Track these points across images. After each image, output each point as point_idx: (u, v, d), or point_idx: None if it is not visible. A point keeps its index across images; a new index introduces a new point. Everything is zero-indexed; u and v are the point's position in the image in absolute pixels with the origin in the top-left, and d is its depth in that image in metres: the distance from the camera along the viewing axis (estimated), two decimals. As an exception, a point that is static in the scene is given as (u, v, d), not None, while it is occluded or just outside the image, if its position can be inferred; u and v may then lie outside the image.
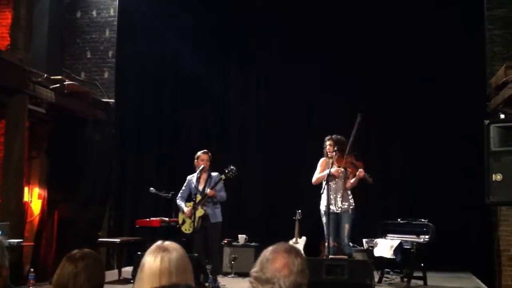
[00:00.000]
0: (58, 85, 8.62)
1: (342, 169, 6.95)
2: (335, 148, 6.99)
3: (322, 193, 6.85)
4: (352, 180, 6.91)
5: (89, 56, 10.63)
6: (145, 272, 2.25)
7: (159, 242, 2.35)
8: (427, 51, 9.50)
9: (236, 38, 10.19)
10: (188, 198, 7.29)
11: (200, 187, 7.24)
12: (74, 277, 2.33)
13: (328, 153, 7.11)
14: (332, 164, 6.94)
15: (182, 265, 2.28)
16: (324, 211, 6.88)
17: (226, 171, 7.14)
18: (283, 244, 2.24)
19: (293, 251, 2.21)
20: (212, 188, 7.09)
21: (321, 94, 9.63)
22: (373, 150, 9.21)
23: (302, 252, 7.91)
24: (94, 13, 10.66)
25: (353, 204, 7.02)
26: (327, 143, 7.13)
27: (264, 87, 10.13)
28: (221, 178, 7.13)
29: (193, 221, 6.94)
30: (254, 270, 2.17)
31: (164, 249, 2.29)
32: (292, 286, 2.10)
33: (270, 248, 2.22)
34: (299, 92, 9.76)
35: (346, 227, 6.88)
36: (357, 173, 6.79)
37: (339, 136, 7.14)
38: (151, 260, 2.26)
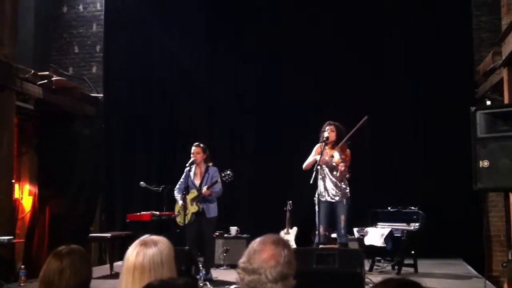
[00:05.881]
0: (45, 81, 8.56)
1: (333, 153, 6.85)
2: (335, 133, 6.89)
3: (312, 182, 6.74)
4: (338, 174, 6.87)
5: (76, 51, 10.58)
6: (123, 266, 2.27)
7: (144, 236, 2.35)
8: (414, 38, 9.51)
9: (225, 32, 10.16)
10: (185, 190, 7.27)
11: (197, 181, 7.20)
12: (60, 273, 2.34)
13: (326, 135, 6.86)
14: (323, 152, 6.84)
15: (158, 260, 2.25)
16: (319, 199, 6.82)
17: (222, 175, 7.12)
18: (271, 236, 2.27)
19: (281, 242, 2.23)
20: (208, 188, 7.07)
21: (312, 85, 9.63)
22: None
23: (293, 242, 7.88)
24: (80, 7, 10.60)
25: (348, 193, 6.92)
26: (328, 127, 6.92)
27: (255, 78, 10.11)
28: (216, 181, 7.10)
29: (186, 215, 6.93)
30: (242, 261, 2.20)
31: (143, 244, 2.29)
32: (278, 276, 2.12)
33: (258, 240, 2.24)
34: (290, 82, 9.75)
35: (342, 218, 6.81)
36: (339, 167, 6.76)
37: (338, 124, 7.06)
38: (129, 253, 2.28)
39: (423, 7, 9.53)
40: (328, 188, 6.87)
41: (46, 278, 2.35)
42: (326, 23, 9.64)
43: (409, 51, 9.54)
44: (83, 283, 2.39)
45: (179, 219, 7.23)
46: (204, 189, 7.05)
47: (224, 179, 7.10)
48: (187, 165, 7.17)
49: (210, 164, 7.31)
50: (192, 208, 7.05)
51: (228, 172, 7.11)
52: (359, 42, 9.54)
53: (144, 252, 2.24)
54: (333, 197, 6.86)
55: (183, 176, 7.33)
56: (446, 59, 9.23)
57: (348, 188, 6.94)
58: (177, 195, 7.29)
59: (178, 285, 1.66)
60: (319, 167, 6.68)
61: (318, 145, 7.05)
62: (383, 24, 9.63)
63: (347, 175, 6.81)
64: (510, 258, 5.14)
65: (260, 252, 2.17)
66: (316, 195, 6.85)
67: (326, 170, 6.88)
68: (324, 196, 6.84)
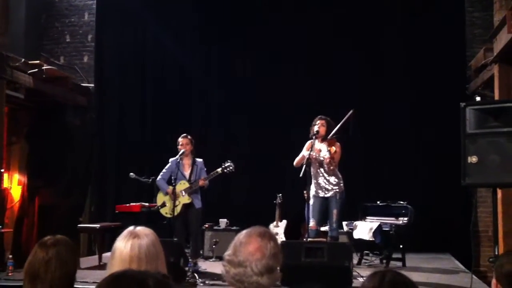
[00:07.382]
0: (36, 70, 8.52)
1: (322, 147, 6.84)
2: (325, 128, 6.84)
3: (301, 175, 6.71)
4: (327, 168, 6.83)
5: (68, 40, 10.52)
6: (116, 258, 2.24)
7: (130, 228, 2.34)
8: (407, 34, 9.51)
9: (219, 23, 10.10)
10: (168, 181, 7.25)
11: (186, 173, 7.19)
12: (45, 264, 2.32)
13: (316, 129, 6.81)
14: (313, 147, 6.83)
15: (153, 251, 2.26)
16: (313, 194, 6.83)
17: (223, 166, 7.10)
18: (257, 228, 2.26)
19: (267, 235, 2.23)
20: (205, 180, 7.07)
21: (305, 80, 9.64)
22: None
23: (283, 235, 7.86)
24: (73, -4, 10.53)
25: (342, 187, 6.85)
26: (319, 122, 6.86)
27: (249, 71, 10.07)
28: (217, 172, 7.09)
29: (175, 206, 6.90)
30: (228, 253, 2.20)
31: (135, 235, 2.27)
32: (264, 269, 2.12)
33: (244, 232, 2.24)
34: (284, 78, 9.72)
35: (335, 212, 6.76)
36: (324, 161, 6.73)
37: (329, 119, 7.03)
38: (122, 246, 2.25)
39: (416, 3, 9.54)
40: (320, 184, 6.83)
41: (31, 268, 2.34)
42: (324, 22, 9.60)
43: (402, 47, 9.53)
44: (69, 273, 2.37)
45: (165, 211, 7.19)
46: (201, 181, 7.05)
47: (225, 171, 7.09)
48: (177, 156, 7.15)
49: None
50: (184, 200, 7.04)
51: (230, 163, 7.10)
52: (354, 40, 9.51)
53: (139, 244, 2.24)
54: (325, 193, 6.82)
55: (167, 166, 7.31)
56: (438, 55, 9.24)
57: (342, 182, 6.88)
58: (163, 184, 7.26)
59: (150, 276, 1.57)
60: (310, 161, 6.67)
61: (309, 141, 7.02)
62: (376, 20, 9.61)
63: (332, 167, 6.79)
64: (496, 253, 5.18)
65: (246, 244, 2.17)
66: (308, 190, 6.84)
67: (317, 165, 6.87)
68: (317, 192, 6.82)
